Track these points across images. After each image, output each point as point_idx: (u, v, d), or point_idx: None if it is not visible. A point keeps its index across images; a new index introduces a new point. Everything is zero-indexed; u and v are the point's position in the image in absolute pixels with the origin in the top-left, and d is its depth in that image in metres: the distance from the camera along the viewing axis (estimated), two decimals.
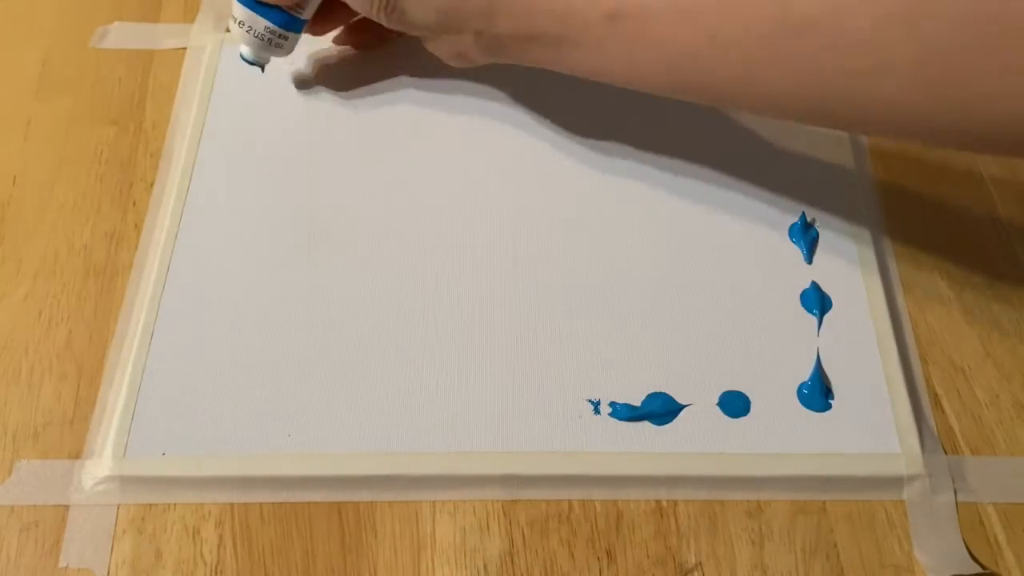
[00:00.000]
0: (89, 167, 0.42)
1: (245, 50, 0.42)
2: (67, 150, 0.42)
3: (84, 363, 0.36)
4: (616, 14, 0.31)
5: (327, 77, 0.45)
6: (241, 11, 0.40)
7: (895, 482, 0.34)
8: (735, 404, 0.35)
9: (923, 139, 0.36)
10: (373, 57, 0.45)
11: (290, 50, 0.42)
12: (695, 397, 0.36)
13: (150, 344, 0.36)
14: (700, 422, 0.35)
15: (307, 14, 0.41)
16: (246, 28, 0.40)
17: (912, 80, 0.27)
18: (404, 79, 0.45)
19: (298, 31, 0.41)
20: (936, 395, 0.37)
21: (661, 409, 0.35)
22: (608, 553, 0.33)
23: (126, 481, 0.33)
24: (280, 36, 0.41)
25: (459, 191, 0.41)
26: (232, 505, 0.33)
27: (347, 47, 0.45)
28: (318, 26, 0.42)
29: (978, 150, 0.39)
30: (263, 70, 0.43)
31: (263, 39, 0.41)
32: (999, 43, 0.25)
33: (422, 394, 0.35)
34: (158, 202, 0.40)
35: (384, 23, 0.38)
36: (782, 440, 0.35)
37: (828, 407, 0.35)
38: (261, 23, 0.40)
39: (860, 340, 0.37)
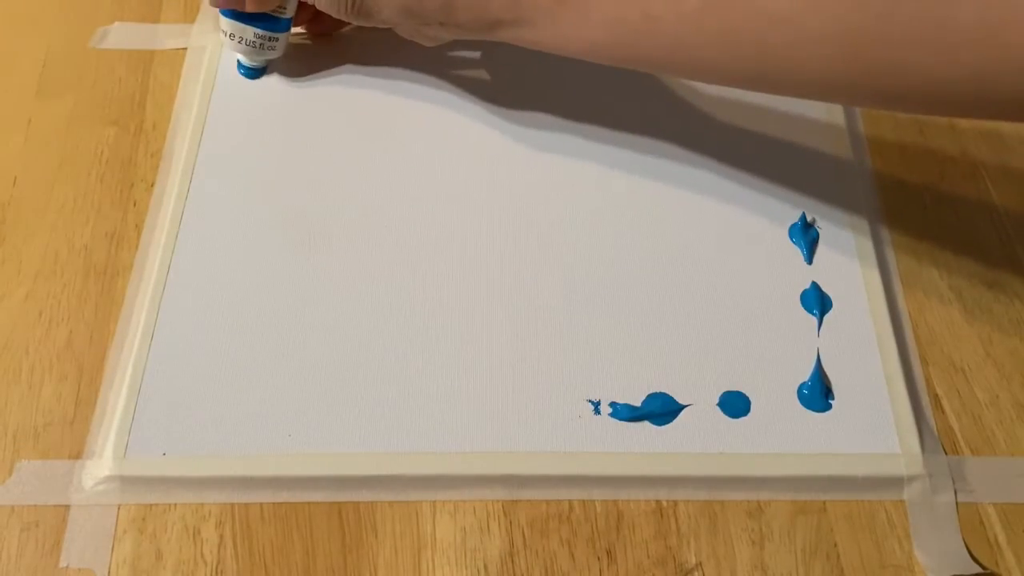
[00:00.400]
0: (89, 167, 0.42)
1: (242, 58, 0.44)
2: (67, 150, 0.42)
3: (84, 363, 0.36)
4: None
5: (325, 75, 0.45)
6: (228, 24, 0.42)
7: (895, 482, 0.34)
8: (735, 404, 0.35)
9: (847, 102, 0.41)
10: (372, 56, 0.45)
11: (283, 49, 0.43)
12: (695, 397, 0.36)
13: (150, 344, 0.36)
14: (700, 422, 0.35)
15: (289, 12, 0.42)
16: (237, 39, 0.42)
17: (825, 52, 0.30)
18: (404, 79, 0.45)
19: (285, 30, 0.43)
20: (936, 395, 0.37)
21: (661, 409, 0.35)
22: (608, 553, 0.33)
23: (126, 481, 0.33)
24: (270, 39, 0.42)
25: (459, 191, 0.41)
26: (232, 505, 0.33)
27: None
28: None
29: (900, 111, 0.43)
30: (263, 73, 0.44)
31: (255, 45, 0.42)
32: (895, 20, 0.28)
33: (422, 394, 0.35)
34: (158, 202, 0.40)
35: (352, 21, 0.40)
36: (782, 440, 0.35)
37: (828, 407, 0.35)
38: (249, 31, 0.42)
39: (860, 340, 0.37)
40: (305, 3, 0.41)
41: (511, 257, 0.39)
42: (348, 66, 0.45)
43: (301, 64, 0.45)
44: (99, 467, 0.34)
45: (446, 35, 0.40)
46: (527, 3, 0.35)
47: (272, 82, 0.44)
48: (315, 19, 0.45)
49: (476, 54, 0.45)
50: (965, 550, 0.33)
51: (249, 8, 0.40)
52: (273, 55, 0.43)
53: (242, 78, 0.44)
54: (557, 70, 0.44)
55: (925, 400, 0.36)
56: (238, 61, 0.44)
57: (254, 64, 0.44)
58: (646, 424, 0.35)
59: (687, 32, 0.33)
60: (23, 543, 0.33)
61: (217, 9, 0.41)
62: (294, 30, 0.45)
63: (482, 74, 0.45)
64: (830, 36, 0.30)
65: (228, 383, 0.35)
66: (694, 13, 0.32)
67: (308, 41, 0.46)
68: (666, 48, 0.34)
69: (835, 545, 0.33)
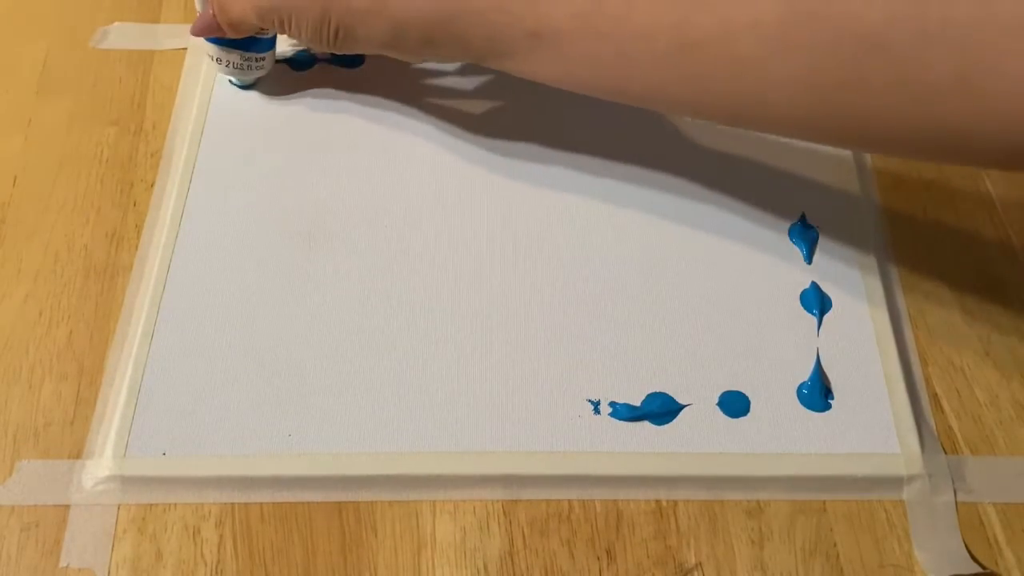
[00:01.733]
0: (89, 167, 0.42)
1: (232, 79, 0.44)
2: (67, 150, 0.42)
3: (85, 363, 0.36)
4: (536, 33, 0.34)
5: (329, 77, 0.45)
6: (213, 49, 0.42)
7: (895, 482, 0.34)
8: (735, 404, 0.35)
9: (821, 142, 0.40)
10: (373, 57, 0.45)
11: (271, 65, 0.44)
12: (695, 397, 0.36)
13: (150, 344, 0.36)
14: (700, 422, 0.35)
15: (272, 31, 0.42)
16: (224, 63, 0.42)
17: (794, 98, 0.30)
18: (404, 80, 0.45)
19: (270, 48, 0.43)
20: (936, 395, 0.37)
21: (661, 409, 0.35)
22: (608, 553, 0.33)
23: (126, 481, 0.33)
24: (256, 59, 0.42)
25: (459, 191, 0.41)
26: (232, 505, 0.34)
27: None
28: None
29: (875, 153, 0.43)
30: (254, 86, 0.44)
31: (242, 67, 0.42)
32: (867, 66, 0.28)
33: (422, 394, 0.35)
34: (158, 202, 0.40)
35: (335, 52, 0.40)
36: (782, 440, 0.35)
37: (828, 407, 0.35)
38: (235, 54, 0.42)
39: (860, 340, 0.37)
40: None
41: (512, 257, 0.39)
42: (349, 67, 0.45)
43: (301, 65, 0.45)
44: (99, 467, 0.34)
45: (431, 61, 0.41)
46: (504, 38, 0.35)
47: (272, 82, 0.44)
48: None
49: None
50: (965, 550, 0.33)
51: (230, 35, 0.40)
52: (262, 72, 0.43)
53: None
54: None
55: (925, 400, 0.36)
56: (229, 81, 0.44)
57: (245, 82, 0.44)
58: (646, 424, 0.35)
59: (660, 73, 0.33)
60: (23, 543, 0.33)
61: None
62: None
63: (483, 81, 0.45)
64: (797, 83, 0.30)
65: (228, 383, 0.35)
66: (666, 56, 0.32)
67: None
68: (641, 86, 0.34)
69: (835, 545, 0.33)
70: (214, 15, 0.40)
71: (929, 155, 0.33)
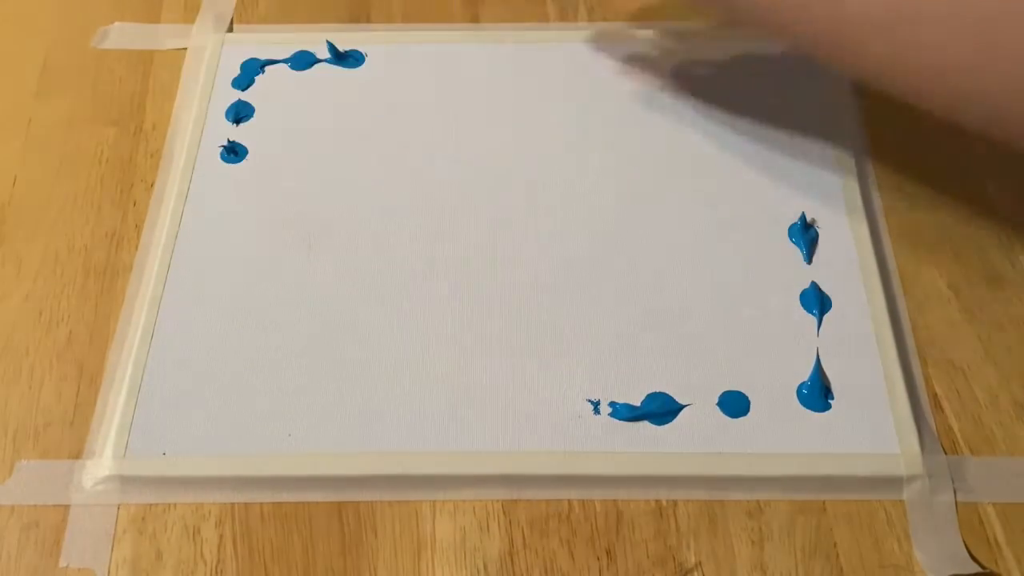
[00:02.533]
0: (89, 167, 0.42)
1: None
2: (67, 150, 0.42)
3: (84, 363, 0.36)
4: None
5: (325, 77, 0.45)
6: None
7: (894, 482, 0.34)
8: (735, 404, 0.35)
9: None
10: (373, 57, 0.45)
11: None
12: (695, 397, 0.36)
13: (150, 344, 0.36)
14: (700, 422, 0.35)
15: None
16: None
17: None
18: (405, 80, 0.45)
19: None
20: (935, 395, 0.37)
21: (661, 409, 0.35)
22: (608, 553, 0.33)
23: (126, 481, 0.33)
24: None
25: (459, 190, 0.41)
26: (232, 505, 0.34)
27: None
28: None
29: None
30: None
31: None
32: None
33: (422, 394, 0.35)
34: (158, 202, 0.40)
35: None
36: (782, 440, 0.35)
37: (827, 407, 0.35)
38: None
39: (859, 340, 0.37)
40: None
41: (511, 257, 0.39)
42: (350, 68, 0.45)
43: (301, 65, 0.45)
44: (99, 467, 0.34)
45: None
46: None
47: (271, 83, 0.44)
48: None
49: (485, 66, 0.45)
50: (964, 550, 0.33)
51: None
52: None
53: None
54: (560, 75, 0.44)
55: (924, 400, 0.36)
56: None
57: None
58: (646, 424, 0.35)
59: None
60: (23, 543, 0.33)
61: (216, 9, 0.39)
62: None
63: (494, 86, 0.45)
64: None
65: (228, 383, 0.35)
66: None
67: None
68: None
69: (834, 545, 0.33)
70: None
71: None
